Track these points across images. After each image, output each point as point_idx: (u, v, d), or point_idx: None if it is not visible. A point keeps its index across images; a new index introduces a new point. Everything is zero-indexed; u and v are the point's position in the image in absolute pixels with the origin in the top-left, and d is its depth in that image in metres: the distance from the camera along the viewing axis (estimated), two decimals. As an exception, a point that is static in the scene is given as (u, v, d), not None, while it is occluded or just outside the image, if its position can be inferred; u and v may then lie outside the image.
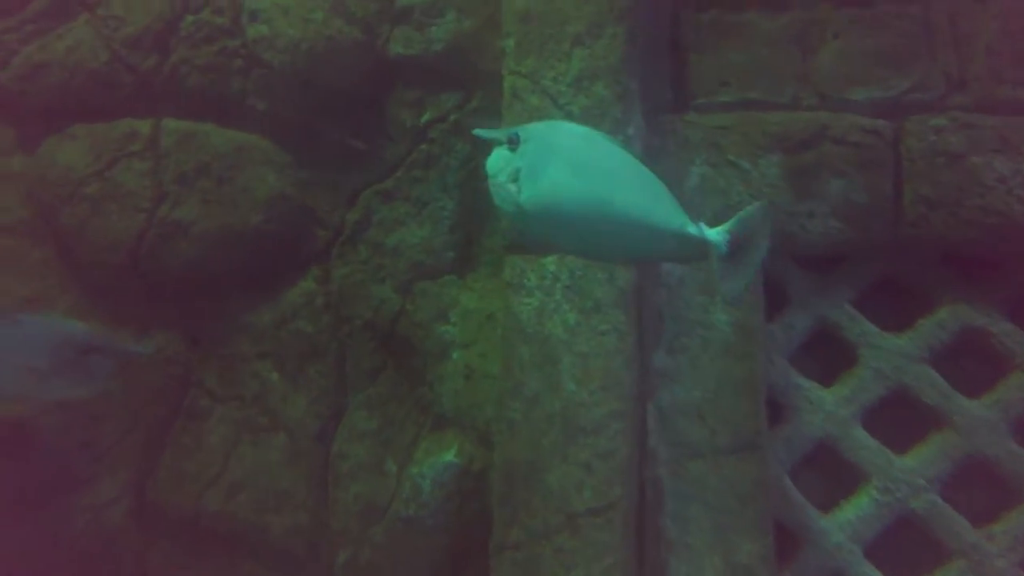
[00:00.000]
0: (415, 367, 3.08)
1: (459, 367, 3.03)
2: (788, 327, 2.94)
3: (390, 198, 3.29)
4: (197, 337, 3.06)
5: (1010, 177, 2.79)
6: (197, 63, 3.15)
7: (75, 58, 3.12)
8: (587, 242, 2.05)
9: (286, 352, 3.04)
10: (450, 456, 2.85)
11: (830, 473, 2.88)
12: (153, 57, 3.15)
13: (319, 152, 3.34)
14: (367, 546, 2.97)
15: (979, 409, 2.81)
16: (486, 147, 2.09)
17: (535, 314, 2.68)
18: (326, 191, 3.28)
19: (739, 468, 2.63)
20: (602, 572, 2.48)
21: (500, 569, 2.54)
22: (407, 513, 2.89)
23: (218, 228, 2.99)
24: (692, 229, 1.92)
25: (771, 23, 3.17)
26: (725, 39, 3.20)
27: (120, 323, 3.00)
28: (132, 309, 3.02)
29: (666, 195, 2.03)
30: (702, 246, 1.90)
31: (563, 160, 2.02)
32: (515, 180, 2.04)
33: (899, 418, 2.88)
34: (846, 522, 2.78)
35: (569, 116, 2.89)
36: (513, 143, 2.08)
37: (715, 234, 1.90)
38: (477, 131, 2.18)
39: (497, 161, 2.11)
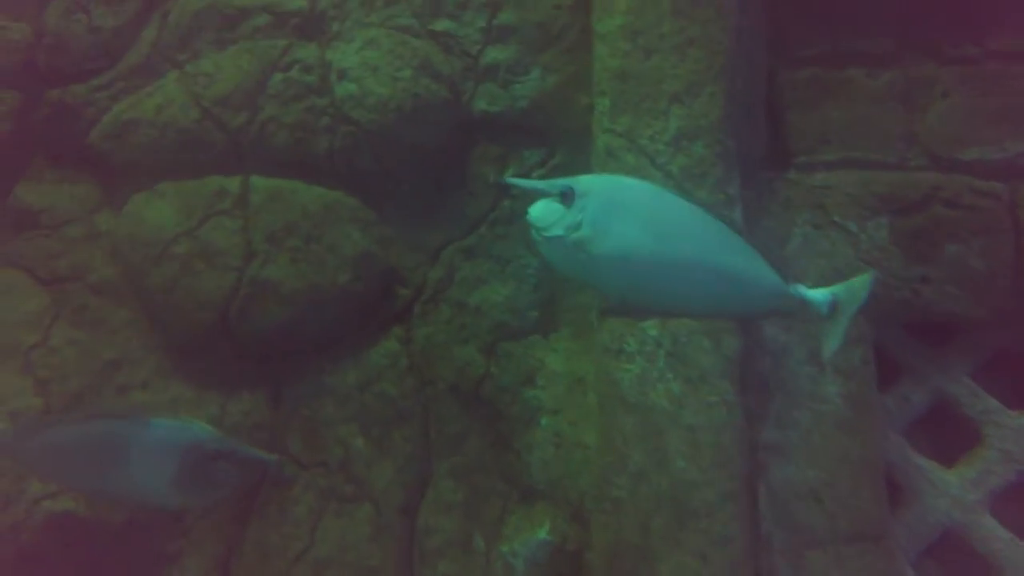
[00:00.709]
0: (501, 433, 2.92)
1: (548, 435, 2.86)
2: (903, 400, 2.72)
3: (472, 255, 3.17)
4: (280, 399, 2.94)
5: None
6: (285, 121, 3.11)
7: (166, 116, 3.10)
8: (666, 298, 2.09)
9: (371, 416, 2.90)
10: (543, 533, 2.66)
11: (954, 564, 2.63)
12: (242, 115, 3.11)
13: (402, 209, 3.25)
14: (456, 628, 2.78)
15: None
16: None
17: (637, 382, 2.51)
18: (408, 248, 3.19)
19: (863, 561, 2.39)
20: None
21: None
22: (500, 594, 2.70)
23: (307, 288, 2.90)
24: (793, 289, 1.99)
25: (873, 80, 3.04)
26: (825, 97, 3.06)
27: (205, 386, 2.91)
28: (217, 371, 2.92)
29: (752, 250, 2.08)
30: (802, 306, 1.97)
31: (640, 221, 2.02)
32: (574, 233, 2.01)
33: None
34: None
35: (668, 176, 2.76)
36: (568, 197, 2.03)
37: (820, 295, 1.99)
38: (511, 180, 2.18)
39: (547, 214, 2.07)
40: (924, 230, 2.73)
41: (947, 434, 2.71)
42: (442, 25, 3.36)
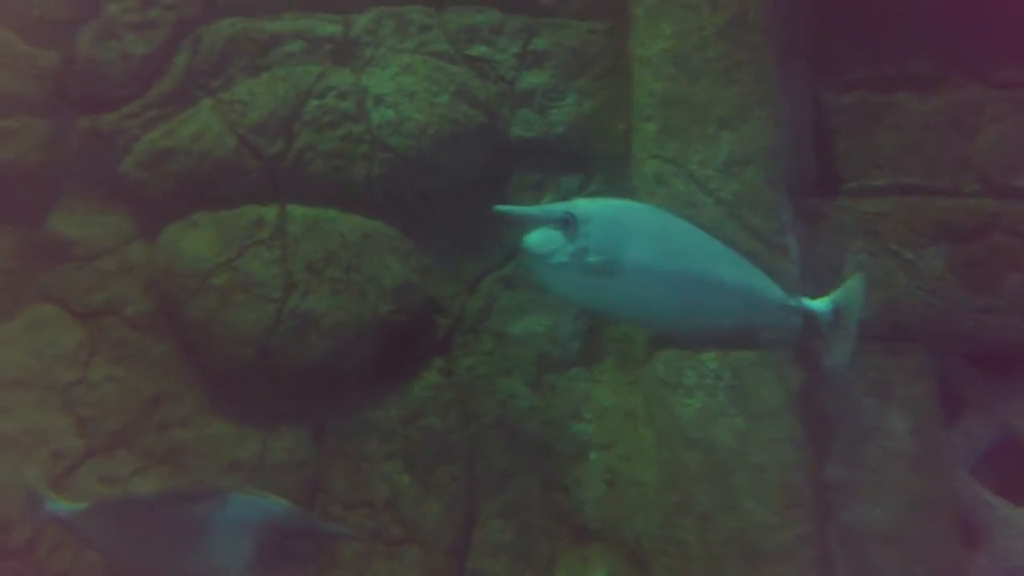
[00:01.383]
0: (549, 470, 2.80)
1: (599, 471, 2.74)
2: (967, 435, 2.61)
3: (512, 285, 3.07)
4: (322, 435, 2.82)
5: None
6: (321, 148, 3.02)
7: (201, 145, 3.00)
8: (675, 317, 2.08)
9: (416, 452, 2.78)
10: (600, 576, 2.54)
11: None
12: (278, 143, 3.02)
13: (439, 237, 3.16)
14: None
15: None
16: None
17: (698, 417, 2.40)
18: (447, 278, 3.09)
19: (943, 607, 2.27)
20: None
21: None
22: (556, 646, 2.57)
23: (349, 319, 2.79)
24: (798, 303, 2.02)
25: (922, 104, 2.96)
26: (873, 121, 2.99)
27: (246, 422, 2.79)
28: (257, 407, 2.81)
29: (752, 266, 2.10)
30: (805, 317, 2.02)
31: (645, 243, 2.01)
32: (583, 260, 1.98)
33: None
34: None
35: (719, 202, 2.67)
36: (568, 223, 1.99)
37: (821, 305, 2.02)
38: (503, 208, 2.12)
39: (547, 241, 2.02)
40: (984, 259, 2.64)
41: (1014, 469, 2.59)
42: (477, 50, 3.28)
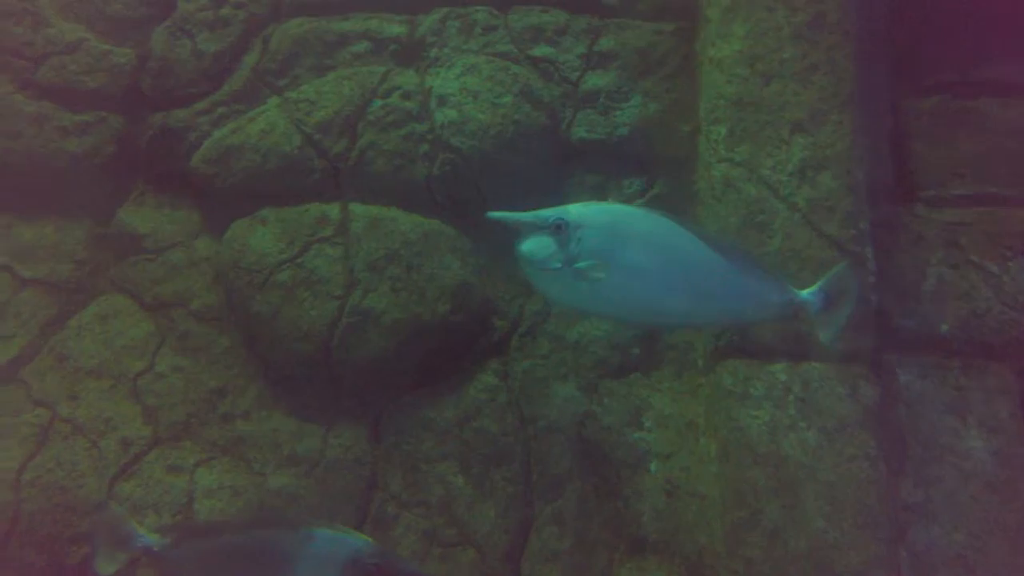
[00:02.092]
0: (606, 477, 2.74)
1: (659, 482, 2.66)
2: (1053, 457, 2.46)
3: (571, 288, 3.00)
4: (379, 433, 2.82)
5: None
6: (384, 148, 3.02)
7: (269, 142, 3.03)
8: (671, 317, 2.11)
9: (470, 453, 2.75)
10: (659, 589, 2.46)
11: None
12: (343, 141, 3.03)
13: (496, 238, 3.13)
14: None
15: None
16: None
17: (766, 430, 2.30)
18: (504, 279, 3.06)
19: (1028, 638, 2.14)
20: None
21: None
22: (611, 657, 2.51)
23: (408, 318, 2.78)
24: (785, 294, 2.04)
25: (1005, 111, 2.81)
26: (954, 127, 2.85)
27: (306, 417, 2.80)
28: (316, 402, 2.81)
29: (749, 259, 2.11)
30: (797, 306, 2.03)
31: (637, 244, 2.02)
32: (577, 265, 1.99)
33: None
34: None
35: (793, 208, 2.58)
36: (561, 229, 1.99)
37: (808, 295, 2.04)
38: (495, 214, 2.10)
39: (541, 247, 2.02)
40: (1076, 273, 2.48)
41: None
42: (541, 51, 3.25)
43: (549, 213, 2.04)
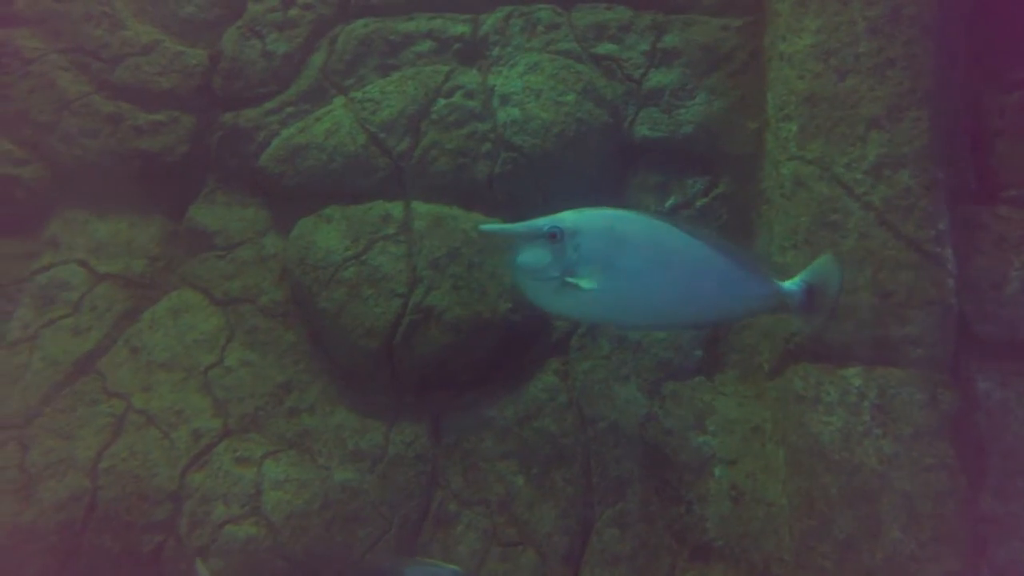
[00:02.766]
0: (668, 481, 2.69)
1: (723, 487, 2.60)
2: None
3: (632, 288, 2.96)
4: (440, 430, 2.83)
5: None
6: (447, 146, 3.03)
7: (334, 141, 3.07)
8: (669, 318, 2.11)
9: (530, 453, 2.74)
10: (724, 598, 2.41)
11: None
12: (406, 140, 3.05)
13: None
14: None
15: None
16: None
17: (840, 437, 2.23)
18: (565, 278, 3.02)
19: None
20: None
21: None
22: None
23: (469, 316, 2.78)
24: (770, 287, 2.04)
25: (1099, 106, 2.66)
26: (1042, 123, 2.71)
27: (369, 414, 2.83)
28: (379, 399, 2.84)
29: (735, 254, 2.09)
30: (781, 298, 2.04)
31: (634, 248, 2.01)
32: (575, 273, 1.98)
33: None
34: None
35: (868, 207, 2.49)
36: (557, 238, 1.98)
37: (791, 286, 2.05)
38: (487, 227, 2.17)
39: (537, 258, 2.00)
40: None
41: None
42: (605, 49, 3.22)
43: (543, 222, 2.03)
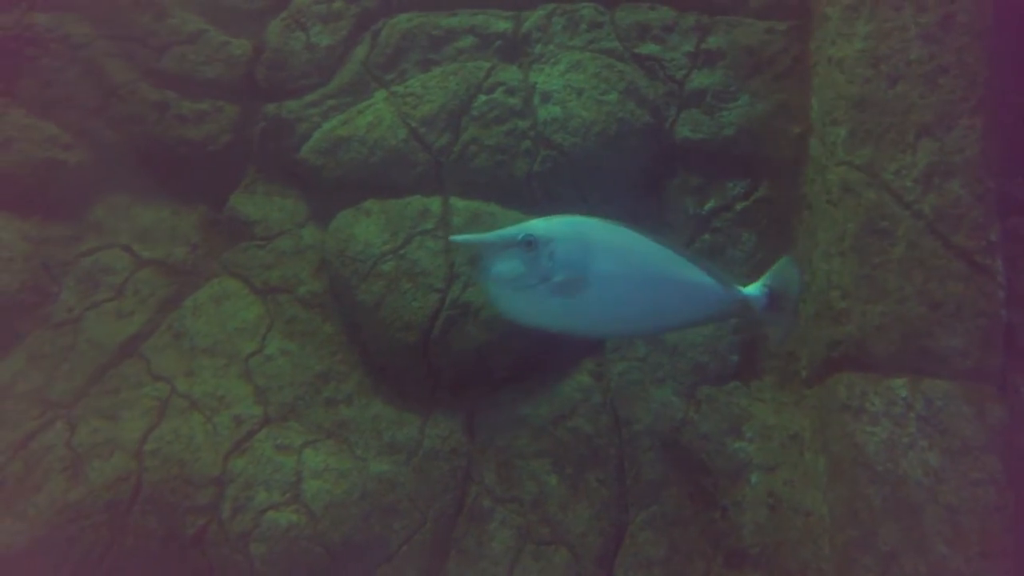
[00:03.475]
0: (703, 486, 2.67)
1: (760, 494, 2.57)
2: None
3: (669, 290, 2.93)
4: (474, 426, 2.83)
5: None
6: (486, 143, 3.02)
7: (376, 135, 3.08)
8: (638, 325, 2.13)
9: (564, 453, 2.73)
10: (759, 604, 2.38)
11: None
12: (446, 136, 3.05)
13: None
14: None
15: None
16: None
17: (884, 448, 2.19)
18: (602, 278, 3.00)
19: None
20: None
21: None
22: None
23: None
24: (733, 293, 2.07)
25: None
26: (1097, 135, 2.65)
27: (405, 406, 2.83)
28: (414, 392, 2.84)
29: (697, 260, 2.13)
30: (744, 303, 2.07)
31: (606, 255, 2.02)
32: (551, 281, 1.97)
33: None
34: None
35: (918, 216, 2.45)
36: (531, 246, 1.97)
37: (753, 290, 2.09)
38: (458, 237, 2.13)
39: (511, 267, 1.99)
40: None
41: None
42: (647, 49, 3.20)
43: (515, 231, 2.01)
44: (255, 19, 3.35)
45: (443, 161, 3.01)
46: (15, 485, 2.59)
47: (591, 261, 2.01)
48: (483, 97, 3.05)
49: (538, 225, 2.05)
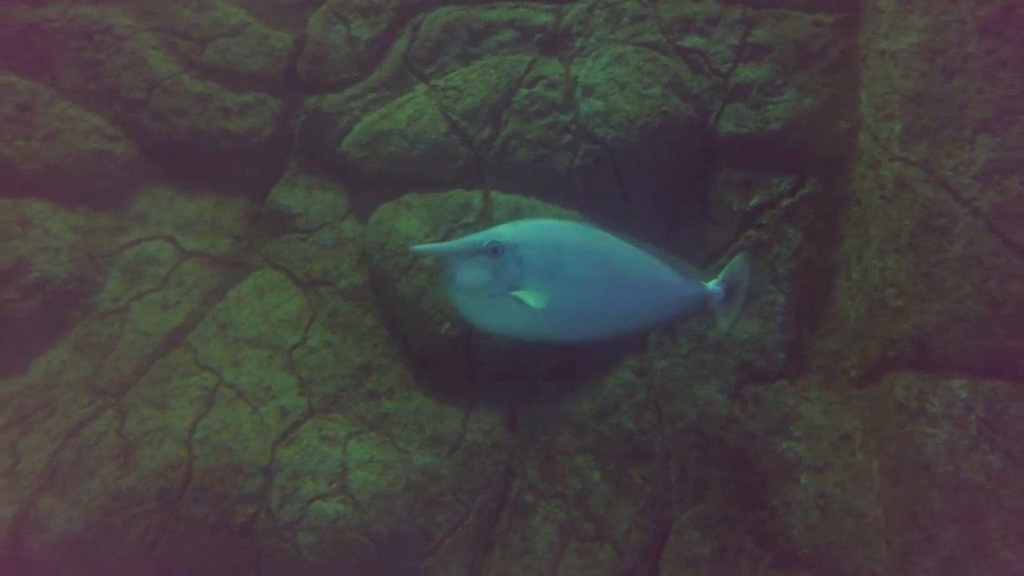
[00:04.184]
0: (750, 486, 2.62)
1: (810, 495, 2.52)
2: None
3: (713, 287, 2.88)
4: (515, 421, 2.80)
5: None
6: (527, 137, 2.99)
7: (416, 128, 3.05)
8: (607, 326, 2.11)
9: (607, 449, 2.69)
10: (809, 608, 2.33)
11: None
12: (487, 129, 3.02)
13: (636, 233, 3.03)
14: None
15: None
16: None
17: (944, 451, 2.13)
18: (643, 274, 2.95)
19: None
20: None
21: None
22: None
23: (547, 308, 2.72)
24: (697, 289, 2.15)
25: None
26: None
27: (446, 400, 2.81)
28: (455, 386, 2.82)
29: (664, 258, 2.16)
30: (706, 298, 2.15)
31: (575, 258, 2.00)
32: (520, 288, 1.93)
33: None
34: None
35: (976, 213, 2.38)
36: (497, 252, 1.92)
37: (713, 286, 2.18)
38: (419, 247, 2.14)
39: (476, 276, 1.94)
40: None
41: None
42: (691, 42, 3.15)
43: (480, 237, 1.96)
44: (295, 12, 3.35)
45: (484, 155, 2.98)
46: (68, 472, 2.61)
47: (560, 265, 1.98)
48: (524, 91, 3.02)
49: (504, 231, 2.00)
